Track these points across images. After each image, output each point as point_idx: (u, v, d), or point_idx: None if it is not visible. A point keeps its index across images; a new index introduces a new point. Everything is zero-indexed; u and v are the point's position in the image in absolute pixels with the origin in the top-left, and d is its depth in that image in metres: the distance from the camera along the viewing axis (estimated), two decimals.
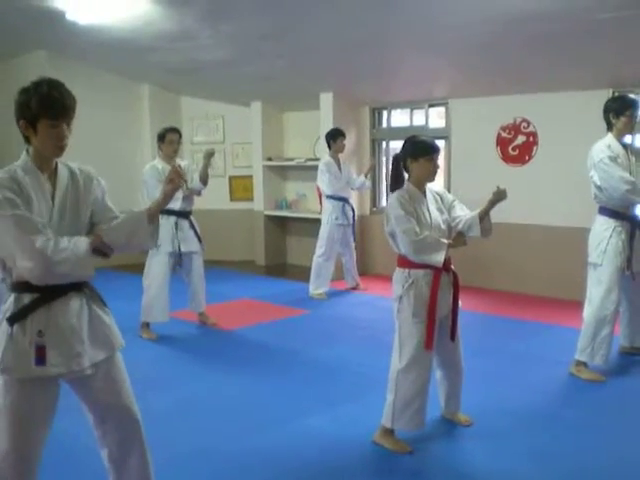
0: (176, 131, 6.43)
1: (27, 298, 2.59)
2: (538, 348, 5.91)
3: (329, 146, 8.19)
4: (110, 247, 2.62)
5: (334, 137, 8.14)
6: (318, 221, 8.34)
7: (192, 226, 6.50)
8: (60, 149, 2.62)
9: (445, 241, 3.84)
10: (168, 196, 2.74)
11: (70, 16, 7.13)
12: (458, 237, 3.99)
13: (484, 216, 3.94)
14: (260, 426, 4.30)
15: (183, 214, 6.40)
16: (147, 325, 6.42)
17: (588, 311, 5.09)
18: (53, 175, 2.68)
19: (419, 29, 6.48)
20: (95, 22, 7.32)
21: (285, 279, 9.40)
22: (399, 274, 3.95)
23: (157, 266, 6.38)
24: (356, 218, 8.48)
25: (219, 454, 3.89)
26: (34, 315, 2.58)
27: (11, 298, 2.61)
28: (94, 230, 2.73)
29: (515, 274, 8.13)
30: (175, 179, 2.73)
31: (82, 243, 2.54)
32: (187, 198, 6.42)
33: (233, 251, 10.65)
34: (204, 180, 6.44)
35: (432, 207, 3.96)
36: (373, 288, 8.50)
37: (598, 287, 5.03)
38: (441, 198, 4.07)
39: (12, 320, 2.57)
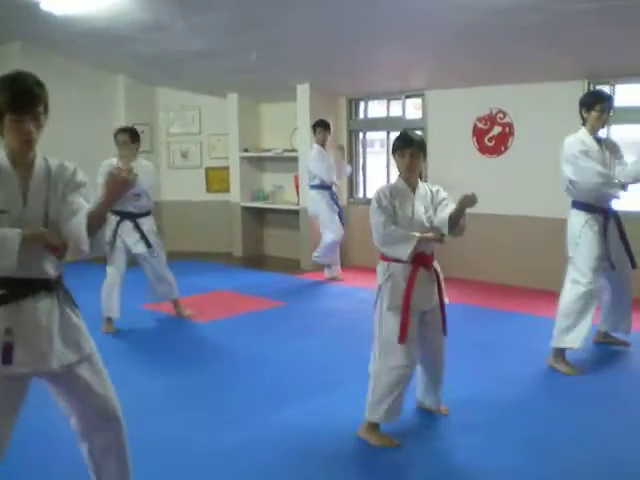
0: (125, 131, 6.24)
1: None
2: (509, 337, 5.96)
3: (314, 137, 8.38)
4: (54, 246, 2.56)
5: (313, 128, 8.30)
6: (295, 212, 8.36)
7: (137, 227, 6.28)
8: (26, 143, 2.57)
9: (416, 234, 3.83)
10: (115, 200, 2.58)
11: (45, 6, 7.05)
12: (434, 232, 3.94)
13: (455, 219, 3.84)
14: (237, 419, 4.30)
15: (128, 215, 6.24)
16: (109, 318, 6.22)
17: (569, 296, 5.09)
18: (29, 170, 2.62)
19: (395, 20, 6.47)
20: (70, 12, 7.24)
21: (262, 270, 9.39)
22: (380, 266, 3.99)
23: (112, 261, 6.23)
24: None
25: (193, 448, 3.88)
26: (2, 312, 2.55)
27: None
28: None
29: (491, 264, 8.17)
30: (120, 180, 2.52)
31: (13, 232, 2.48)
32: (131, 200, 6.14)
33: (210, 243, 10.59)
34: None
35: (418, 203, 3.95)
36: (351, 279, 8.52)
37: (579, 275, 5.04)
38: (432, 195, 4.03)
39: None
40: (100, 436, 2.83)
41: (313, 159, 8.25)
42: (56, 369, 2.65)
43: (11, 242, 2.46)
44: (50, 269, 2.65)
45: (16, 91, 2.51)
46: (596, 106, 5.03)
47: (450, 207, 3.92)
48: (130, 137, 6.17)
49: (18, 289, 2.57)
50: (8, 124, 2.53)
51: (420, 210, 3.94)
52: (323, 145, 8.28)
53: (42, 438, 3.82)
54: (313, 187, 8.26)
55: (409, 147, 3.92)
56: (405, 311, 3.83)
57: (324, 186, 8.22)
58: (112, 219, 5.99)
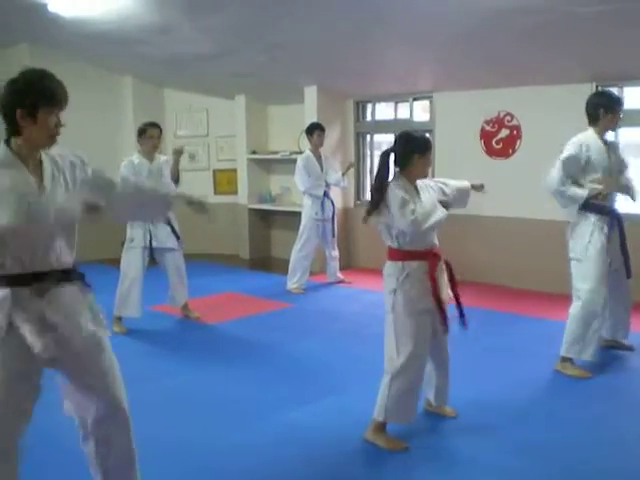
0: (156, 126, 6.39)
1: (22, 290, 2.59)
2: (519, 341, 5.94)
3: (309, 141, 8.19)
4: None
5: (310, 131, 8.14)
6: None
7: (168, 222, 6.37)
8: (54, 138, 2.65)
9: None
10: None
11: (52, 8, 7.09)
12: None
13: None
14: (243, 420, 4.30)
15: None
16: (119, 319, 6.35)
17: (576, 307, 5.04)
18: (38, 167, 2.66)
19: (403, 22, 6.47)
20: (78, 14, 7.28)
21: (269, 272, 9.40)
22: (392, 267, 3.91)
23: (131, 260, 6.34)
24: (340, 211, 8.50)
25: (200, 449, 3.88)
26: (30, 305, 2.59)
27: (6, 292, 2.58)
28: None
29: (498, 267, 8.15)
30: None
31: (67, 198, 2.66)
32: None
33: (217, 245, 10.62)
34: (175, 178, 6.38)
35: (424, 197, 3.94)
36: (357, 281, 8.51)
37: (585, 283, 4.99)
38: (431, 186, 4.09)
39: (9, 313, 2.57)
40: (105, 432, 2.83)
41: (297, 170, 8.08)
42: (85, 350, 2.74)
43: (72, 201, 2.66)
44: (68, 259, 2.74)
45: (55, 85, 2.60)
46: (617, 107, 4.97)
47: (447, 182, 4.22)
48: (160, 131, 6.43)
49: (43, 282, 2.63)
50: (44, 118, 2.58)
51: (427, 198, 3.96)
52: (318, 148, 8.20)
53: (49, 438, 3.82)
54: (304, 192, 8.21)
55: (430, 149, 3.98)
56: (440, 303, 3.87)
57: (312, 193, 8.15)
58: None
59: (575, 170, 4.98)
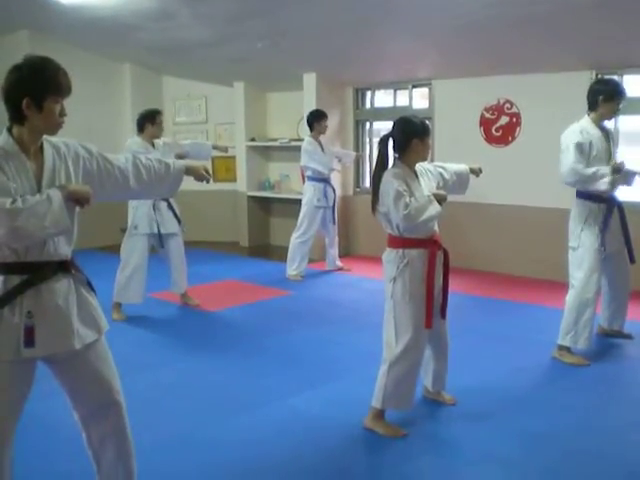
0: (161, 113, 6.47)
1: (16, 280, 2.53)
2: (518, 328, 5.95)
3: (312, 127, 8.14)
4: (84, 195, 2.58)
5: (318, 118, 8.07)
6: (301, 202, 8.32)
7: (170, 207, 6.40)
8: (59, 126, 2.62)
9: (429, 194, 3.86)
10: (196, 175, 3.23)
11: None
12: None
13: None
14: (242, 407, 4.31)
15: None
16: (119, 306, 6.36)
17: (570, 294, 5.08)
18: (39, 155, 2.61)
19: (404, 11, 6.46)
20: (77, 1, 7.25)
21: (269, 260, 9.40)
22: (392, 255, 3.91)
23: (134, 246, 6.33)
24: (339, 199, 8.50)
25: (201, 436, 3.89)
26: (23, 296, 2.54)
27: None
28: None
29: (498, 254, 8.16)
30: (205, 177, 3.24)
31: (54, 192, 2.50)
32: None
33: (216, 232, 10.62)
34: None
35: (423, 184, 3.95)
36: (356, 269, 8.52)
37: (579, 270, 5.02)
38: (430, 170, 4.13)
39: (1, 303, 2.51)
40: (99, 423, 2.82)
41: (308, 153, 8.03)
42: (78, 349, 2.66)
43: (56, 202, 2.47)
44: (66, 249, 2.67)
45: (60, 74, 2.58)
46: (616, 96, 4.95)
47: (445, 167, 4.29)
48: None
49: (38, 272, 2.57)
50: (50, 107, 2.54)
51: (427, 184, 3.98)
52: (319, 135, 8.13)
53: (45, 426, 3.84)
54: (310, 178, 8.19)
55: (429, 133, 4.01)
56: (429, 296, 3.83)
57: (318, 178, 8.13)
58: (149, 201, 6.18)
59: (584, 156, 4.94)
